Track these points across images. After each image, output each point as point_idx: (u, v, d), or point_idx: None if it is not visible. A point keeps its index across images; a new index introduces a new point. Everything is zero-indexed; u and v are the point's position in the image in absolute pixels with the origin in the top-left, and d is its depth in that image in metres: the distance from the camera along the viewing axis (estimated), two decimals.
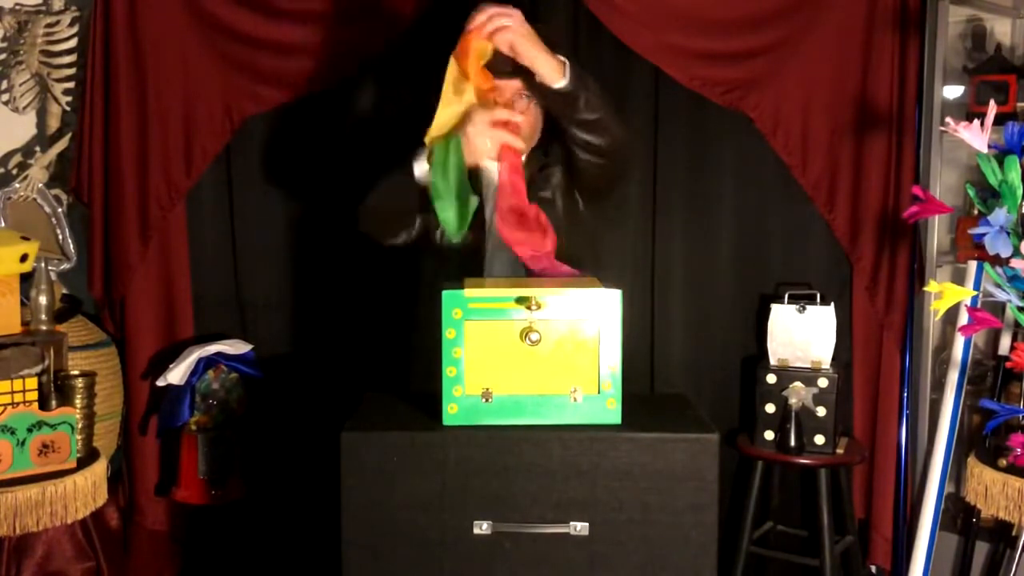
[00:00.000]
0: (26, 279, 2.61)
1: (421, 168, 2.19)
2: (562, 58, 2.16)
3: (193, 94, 3.01)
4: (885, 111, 2.96)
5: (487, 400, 1.78)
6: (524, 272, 2.19)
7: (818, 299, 2.93)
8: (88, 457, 2.57)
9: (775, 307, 2.95)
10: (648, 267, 3.07)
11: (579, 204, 2.39)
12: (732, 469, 3.08)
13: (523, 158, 2.32)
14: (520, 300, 1.77)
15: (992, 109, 1.96)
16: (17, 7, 3.28)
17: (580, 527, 1.74)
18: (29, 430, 2.40)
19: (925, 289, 2.50)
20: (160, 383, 2.95)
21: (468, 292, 1.77)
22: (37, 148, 3.29)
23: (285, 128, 3.07)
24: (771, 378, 2.91)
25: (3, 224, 3.06)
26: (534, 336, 1.77)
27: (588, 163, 2.27)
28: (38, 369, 2.52)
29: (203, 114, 3.01)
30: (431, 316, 1.82)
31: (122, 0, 2.94)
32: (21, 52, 3.18)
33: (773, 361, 2.94)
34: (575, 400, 1.79)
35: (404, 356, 2.50)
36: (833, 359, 2.93)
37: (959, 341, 2.96)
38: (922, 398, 3.14)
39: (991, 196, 2.02)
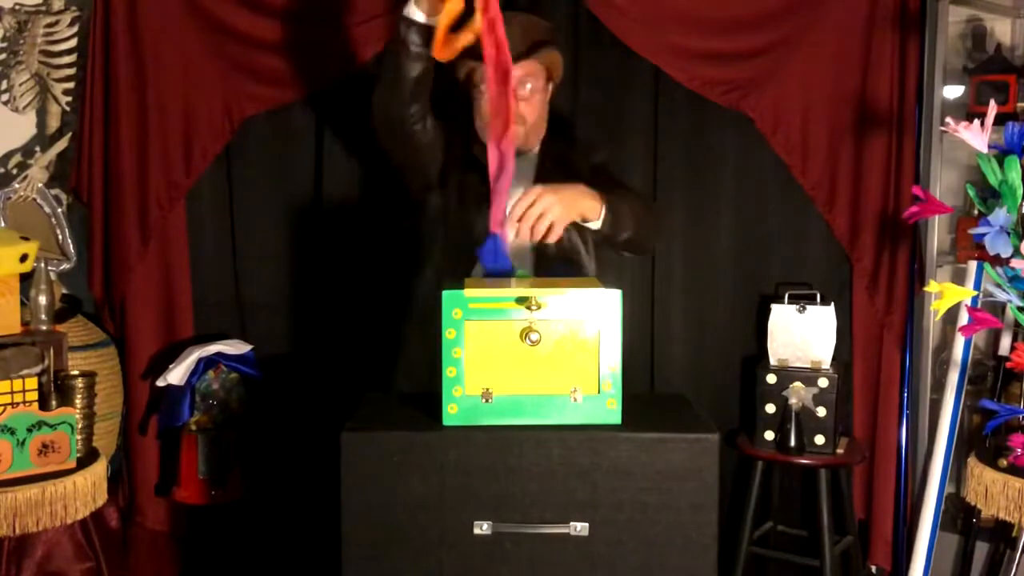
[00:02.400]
0: (26, 279, 2.61)
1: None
2: (596, 197, 2.19)
3: (193, 94, 3.00)
4: (885, 111, 2.96)
5: (487, 400, 1.78)
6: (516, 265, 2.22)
7: (818, 299, 2.93)
8: (88, 457, 2.57)
9: (775, 307, 2.95)
10: (648, 267, 3.07)
11: None
12: (732, 469, 3.08)
13: (535, 151, 2.39)
14: (520, 300, 1.77)
15: (992, 109, 1.96)
16: (17, 7, 3.28)
17: (580, 527, 1.74)
18: (29, 430, 2.40)
19: (925, 289, 2.50)
20: (160, 383, 2.95)
21: (468, 292, 1.77)
22: (37, 148, 3.29)
23: (285, 128, 3.07)
24: (771, 378, 2.91)
25: (3, 224, 3.05)
26: (534, 336, 1.77)
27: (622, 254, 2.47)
28: (38, 369, 2.52)
29: (203, 114, 3.01)
30: (431, 316, 1.83)
31: (122, 0, 2.94)
32: (21, 52, 3.18)
33: (773, 361, 2.94)
34: (575, 400, 1.79)
35: (404, 356, 2.50)
36: (833, 359, 2.93)
37: (959, 341, 2.96)
38: (922, 398, 3.14)
39: (991, 196, 2.02)
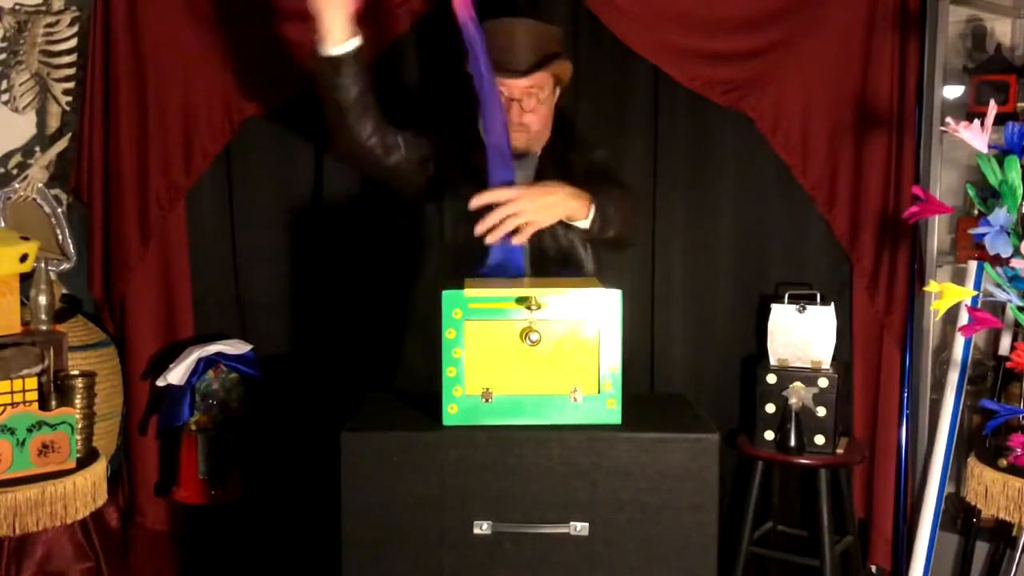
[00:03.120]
0: (26, 279, 2.61)
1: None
2: (585, 198, 2.19)
3: (193, 94, 3.00)
4: (885, 111, 2.96)
5: (487, 400, 1.78)
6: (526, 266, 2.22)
7: (818, 299, 2.93)
8: (88, 457, 2.57)
9: (775, 307, 2.95)
10: (648, 267, 3.07)
11: None
12: (732, 469, 3.08)
13: (537, 153, 2.39)
14: (520, 300, 1.77)
15: (992, 109, 1.96)
16: (17, 7, 3.28)
17: (580, 527, 1.74)
18: (29, 430, 2.40)
19: (925, 289, 2.50)
20: (160, 383, 2.95)
21: (468, 292, 1.78)
22: (37, 148, 3.29)
23: (285, 128, 3.07)
24: (771, 378, 2.91)
25: (3, 224, 3.05)
26: (534, 336, 1.77)
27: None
28: (38, 369, 2.52)
29: (203, 114, 3.00)
30: (431, 316, 1.83)
31: (122, 0, 2.94)
32: (21, 52, 3.18)
33: (773, 361, 2.94)
34: (575, 400, 1.79)
35: (404, 356, 2.50)
36: (833, 359, 2.93)
37: (959, 341, 2.96)
38: (922, 398, 3.14)
39: (991, 196, 2.02)
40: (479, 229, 2.09)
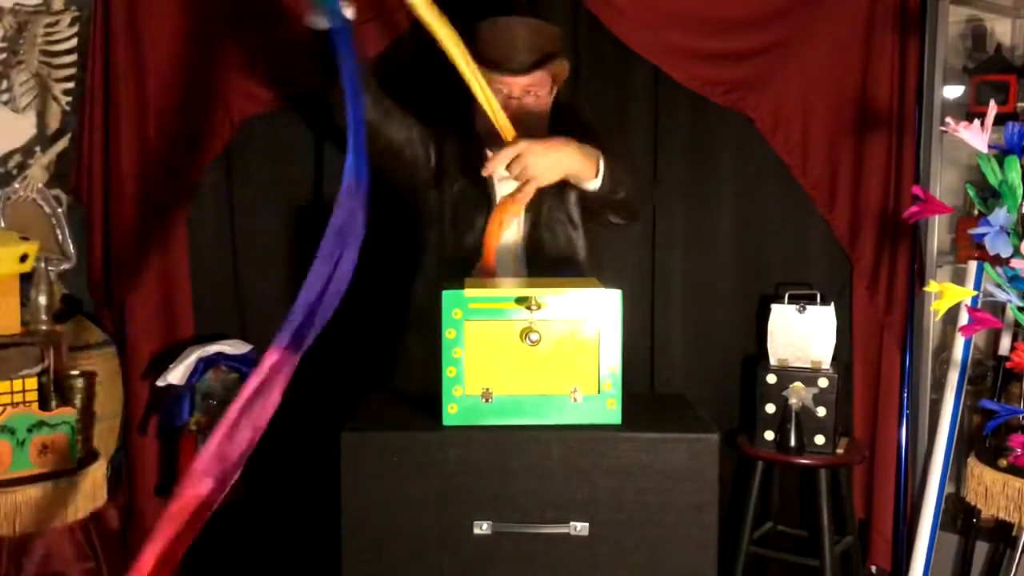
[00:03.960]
0: (26, 279, 2.61)
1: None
2: (594, 151, 2.16)
3: (193, 94, 3.00)
4: (885, 111, 2.96)
5: (487, 400, 1.78)
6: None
7: (818, 299, 2.93)
8: (88, 457, 2.57)
9: (775, 307, 2.95)
10: (648, 267, 3.07)
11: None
12: (732, 469, 3.08)
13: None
14: (520, 300, 1.77)
15: (992, 109, 1.96)
16: (17, 7, 3.28)
17: (580, 527, 1.74)
18: (29, 430, 2.40)
19: (925, 289, 2.50)
20: (160, 383, 2.95)
21: (468, 292, 1.77)
22: (37, 148, 3.28)
23: (285, 128, 3.07)
24: (771, 378, 2.91)
25: (3, 224, 3.05)
26: (534, 336, 1.77)
27: (616, 223, 2.39)
28: (38, 369, 2.52)
29: (203, 114, 3.00)
30: (431, 316, 1.82)
31: (122, 0, 2.94)
32: (21, 52, 3.18)
33: (773, 361, 2.94)
34: (575, 400, 1.79)
35: (404, 356, 2.50)
36: (833, 359, 2.93)
37: (959, 341, 2.96)
38: (922, 398, 3.14)
39: (991, 196, 2.02)
40: (485, 171, 2.08)
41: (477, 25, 2.35)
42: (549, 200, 2.32)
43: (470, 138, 2.40)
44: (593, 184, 2.18)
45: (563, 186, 2.34)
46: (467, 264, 2.28)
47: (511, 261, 2.33)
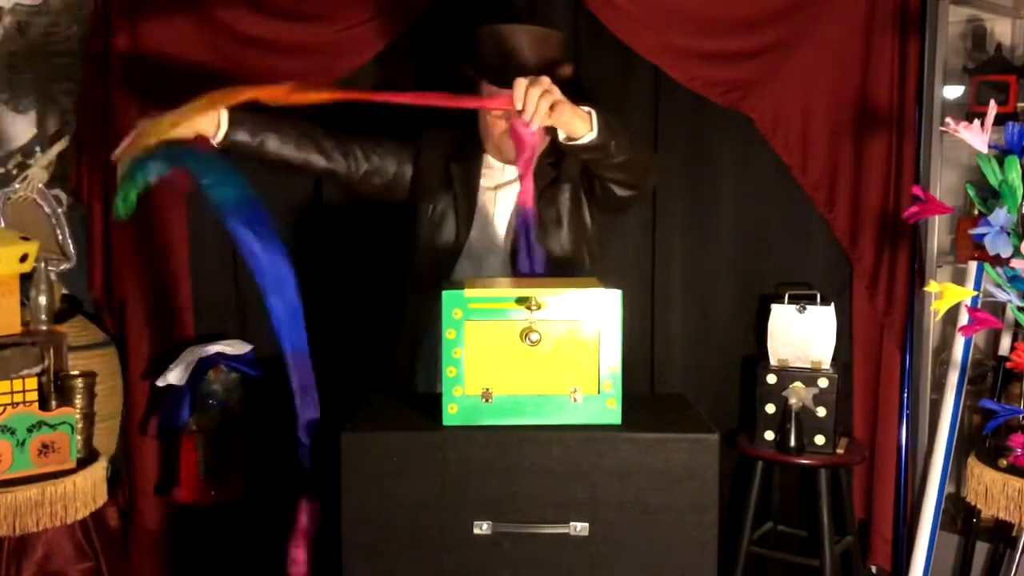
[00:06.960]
0: (26, 279, 2.61)
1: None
2: (587, 109, 2.09)
3: (193, 94, 2.99)
4: (885, 111, 2.96)
5: (487, 400, 1.78)
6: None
7: (818, 299, 2.93)
8: (88, 457, 2.57)
9: (775, 307, 2.95)
10: (648, 267, 3.07)
11: (587, 221, 2.40)
12: (732, 469, 3.08)
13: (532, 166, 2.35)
14: (520, 300, 1.77)
15: (992, 109, 1.96)
16: (17, 7, 3.28)
17: (580, 527, 1.74)
18: (29, 430, 2.40)
19: (925, 289, 2.50)
20: (160, 383, 2.95)
21: (468, 292, 1.77)
22: (37, 148, 3.28)
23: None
24: (771, 378, 2.91)
25: (3, 224, 3.05)
26: (534, 336, 1.77)
27: (623, 197, 2.32)
28: (38, 369, 2.52)
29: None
30: (431, 316, 1.82)
31: (122, 0, 2.94)
32: (21, 52, 3.18)
33: (773, 361, 2.94)
34: (575, 400, 1.79)
35: (404, 356, 2.50)
36: (833, 359, 2.93)
37: (959, 341, 2.95)
38: (922, 398, 3.14)
39: (991, 196, 2.02)
40: (525, 115, 2.00)
41: (478, 30, 2.35)
42: (541, 201, 2.31)
43: (451, 151, 2.42)
44: (589, 136, 2.07)
45: (555, 181, 2.35)
46: (443, 270, 2.32)
47: (500, 263, 2.33)
